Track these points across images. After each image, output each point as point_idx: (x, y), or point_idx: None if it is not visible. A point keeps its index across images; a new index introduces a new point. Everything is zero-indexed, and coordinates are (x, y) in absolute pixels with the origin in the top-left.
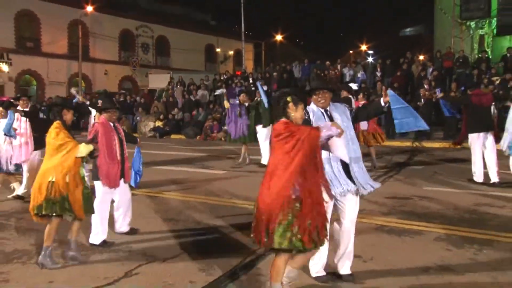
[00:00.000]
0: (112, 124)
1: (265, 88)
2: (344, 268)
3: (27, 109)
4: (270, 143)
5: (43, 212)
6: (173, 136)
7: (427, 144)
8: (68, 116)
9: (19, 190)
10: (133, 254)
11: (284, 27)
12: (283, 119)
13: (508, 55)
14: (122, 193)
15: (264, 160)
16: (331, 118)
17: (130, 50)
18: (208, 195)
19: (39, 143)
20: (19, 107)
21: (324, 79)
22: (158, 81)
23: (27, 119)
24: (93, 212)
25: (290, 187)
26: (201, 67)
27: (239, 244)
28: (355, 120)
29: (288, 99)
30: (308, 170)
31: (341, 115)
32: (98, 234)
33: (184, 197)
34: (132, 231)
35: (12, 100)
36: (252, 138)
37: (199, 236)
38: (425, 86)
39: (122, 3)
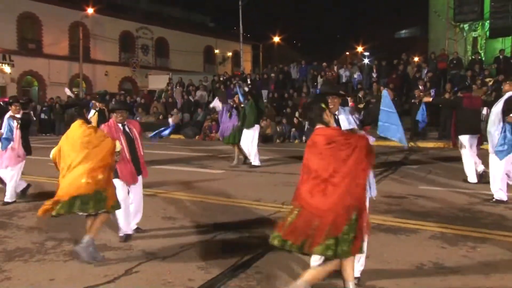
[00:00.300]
0: (120, 125)
1: (245, 89)
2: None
3: (19, 115)
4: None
5: (91, 211)
6: (172, 136)
7: (422, 144)
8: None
9: (6, 197)
10: (133, 252)
11: (282, 29)
12: (326, 126)
13: (501, 56)
14: (136, 192)
15: (255, 161)
16: (337, 123)
17: (130, 51)
18: (206, 194)
19: (27, 151)
20: (10, 113)
21: (333, 84)
22: (158, 82)
23: (18, 126)
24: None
25: (348, 196)
26: (200, 68)
27: (236, 243)
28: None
29: (323, 105)
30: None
31: (347, 119)
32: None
33: (183, 196)
34: (138, 230)
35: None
36: (237, 139)
37: (198, 235)
38: (420, 87)
39: (122, 5)
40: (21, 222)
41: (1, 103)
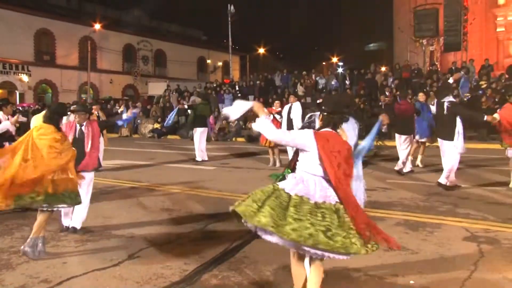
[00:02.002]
0: (78, 125)
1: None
2: None
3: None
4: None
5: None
6: (169, 137)
7: (389, 143)
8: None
9: None
10: (135, 240)
11: (266, 41)
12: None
13: (453, 68)
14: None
15: (198, 157)
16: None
17: (132, 61)
18: (199, 189)
19: None
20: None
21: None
22: (157, 88)
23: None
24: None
25: None
26: (194, 76)
27: (226, 231)
28: None
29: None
30: None
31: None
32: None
33: (178, 190)
34: (74, 229)
35: None
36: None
37: (192, 224)
38: (386, 93)
39: (125, 21)
40: (36, 213)
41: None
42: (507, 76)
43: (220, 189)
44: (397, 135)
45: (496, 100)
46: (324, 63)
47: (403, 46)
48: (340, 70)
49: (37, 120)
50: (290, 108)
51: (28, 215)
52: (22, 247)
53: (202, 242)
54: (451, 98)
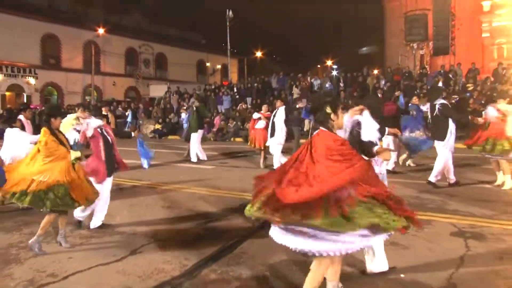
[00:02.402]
0: (99, 130)
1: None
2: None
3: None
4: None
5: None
6: (170, 137)
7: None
8: (56, 123)
9: None
10: (137, 237)
11: (263, 45)
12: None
13: (442, 71)
14: (104, 189)
15: (194, 158)
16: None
17: (134, 64)
18: (199, 187)
19: None
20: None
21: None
22: (158, 90)
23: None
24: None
25: None
26: (194, 78)
27: (225, 227)
28: None
29: (328, 109)
30: None
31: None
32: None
33: (179, 188)
34: (104, 226)
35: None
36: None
37: (192, 221)
38: (379, 95)
39: (128, 26)
40: (44, 210)
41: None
42: (492, 79)
43: (219, 188)
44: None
45: (483, 102)
46: (319, 66)
47: (395, 50)
48: (334, 72)
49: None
50: (276, 112)
51: (34, 213)
52: (30, 241)
53: (201, 238)
54: (442, 101)
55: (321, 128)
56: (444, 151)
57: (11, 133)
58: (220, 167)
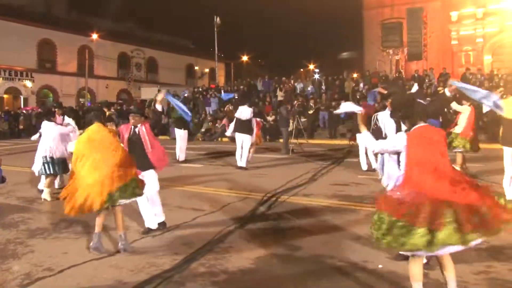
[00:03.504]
0: (132, 127)
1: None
2: None
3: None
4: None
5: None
6: (160, 137)
7: (312, 141)
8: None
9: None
10: (129, 232)
11: (249, 50)
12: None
13: (416, 75)
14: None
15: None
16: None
17: (126, 68)
18: (188, 184)
19: None
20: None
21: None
22: (149, 93)
23: None
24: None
25: None
26: (183, 81)
27: (213, 223)
28: None
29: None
30: None
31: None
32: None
33: (169, 186)
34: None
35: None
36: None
37: (182, 217)
38: (357, 97)
39: (120, 32)
40: (40, 207)
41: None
42: None
43: (207, 185)
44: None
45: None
46: (302, 70)
47: (372, 55)
48: (316, 76)
49: None
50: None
51: (31, 209)
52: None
53: (190, 233)
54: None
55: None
56: None
57: (48, 125)
58: (208, 166)
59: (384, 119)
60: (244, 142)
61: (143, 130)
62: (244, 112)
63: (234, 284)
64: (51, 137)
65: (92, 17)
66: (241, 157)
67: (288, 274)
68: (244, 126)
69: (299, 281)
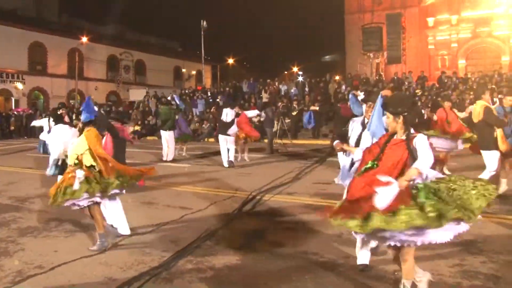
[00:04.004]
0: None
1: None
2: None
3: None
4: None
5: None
6: (148, 138)
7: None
8: None
9: None
10: (118, 230)
11: (235, 53)
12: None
13: (395, 77)
14: None
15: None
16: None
17: (115, 70)
18: (176, 183)
19: None
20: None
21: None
22: (137, 94)
23: None
24: None
25: None
26: (171, 83)
27: (200, 220)
28: None
29: None
30: None
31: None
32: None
33: (157, 185)
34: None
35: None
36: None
37: (169, 215)
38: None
39: (109, 35)
40: (31, 206)
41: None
42: (437, 85)
43: (194, 184)
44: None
45: (429, 105)
46: (286, 72)
47: (354, 58)
48: (300, 78)
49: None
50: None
51: (22, 209)
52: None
53: (178, 231)
54: None
55: None
56: None
57: (62, 128)
58: (195, 165)
59: (355, 124)
60: (228, 143)
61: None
62: (229, 114)
63: (221, 280)
64: (65, 139)
65: (82, 20)
66: (228, 156)
67: (273, 270)
68: (227, 128)
69: (284, 277)
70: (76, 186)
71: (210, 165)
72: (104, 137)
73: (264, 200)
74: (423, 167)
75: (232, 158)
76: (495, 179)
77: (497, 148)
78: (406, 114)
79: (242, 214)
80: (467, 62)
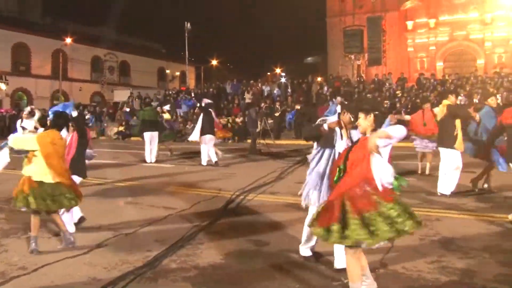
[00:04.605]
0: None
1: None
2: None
3: None
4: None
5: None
6: (132, 138)
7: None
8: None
9: None
10: (102, 230)
11: (219, 54)
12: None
13: (376, 79)
14: None
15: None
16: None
17: (99, 71)
18: (159, 184)
19: None
20: None
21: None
22: (121, 95)
23: None
24: None
25: None
26: (155, 84)
27: (184, 220)
28: None
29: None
30: None
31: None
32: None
33: (142, 185)
34: (81, 219)
35: None
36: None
37: (153, 215)
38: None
39: (94, 36)
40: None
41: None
42: (416, 87)
43: (178, 184)
44: None
45: (409, 106)
46: (269, 73)
47: (335, 60)
48: (283, 79)
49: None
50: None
51: (4, 209)
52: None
53: (162, 230)
54: None
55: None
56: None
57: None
58: (178, 165)
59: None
60: (207, 141)
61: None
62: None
63: (205, 279)
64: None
65: (66, 21)
66: (208, 155)
67: (257, 268)
68: (206, 128)
69: (267, 275)
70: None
71: (194, 165)
72: (70, 136)
73: (248, 200)
74: (393, 132)
75: (214, 158)
76: (484, 176)
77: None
78: (377, 112)
79: (226, 213)
80: (444, 64)
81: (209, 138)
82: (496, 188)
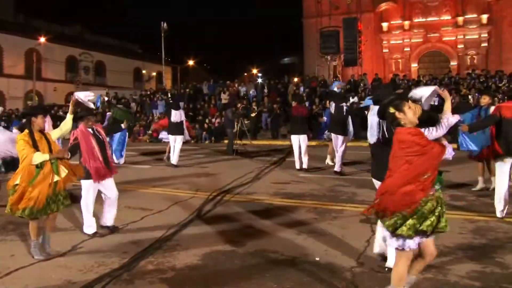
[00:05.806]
0: (90, 129)
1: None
2: None
3: None
4: None
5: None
6: (109, 139)
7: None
8: (38, 121)
9: None
10: (78, 233)
11: (195, 54)
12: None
13: (352, 79)
14: (109, 189)
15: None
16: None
17: (75, 71)
18: (137, 185)
19: None
20: None
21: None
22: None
23: None
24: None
25: None
26: (131, 85)
27: (160, 222)
28: None
29: (391, 110)
30: None
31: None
32: (90, 226)
33: (118, 186)
34: (114, 228)
35: None
36: None
37: (130, 217)
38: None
39: (68, 35)
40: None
41: None
42: None
43: (154, 185)
44: (293, 137)
45: None
46: (245, 74)
47: (312, 60)
48: (259, 80)
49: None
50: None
51: None
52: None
53: (139, 232)
54: (346, 104)
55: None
56: (344, 144)
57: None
58: (155, 166)
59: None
60: (176, 142)
61: (102, 132)
62: (177, 115)
63: (182, 280)
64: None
65: (39, 20)
66: (173, 155)
67: (234, 268)
68: (176, 128)
69: (244, 275)
70: None
71: (169, 166)
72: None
73: (225, 200)
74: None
75: (175, 160)
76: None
77: None
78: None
79: (203, 214)
80: (419, 66)
81: (173, 138)
82: (471, 185)
